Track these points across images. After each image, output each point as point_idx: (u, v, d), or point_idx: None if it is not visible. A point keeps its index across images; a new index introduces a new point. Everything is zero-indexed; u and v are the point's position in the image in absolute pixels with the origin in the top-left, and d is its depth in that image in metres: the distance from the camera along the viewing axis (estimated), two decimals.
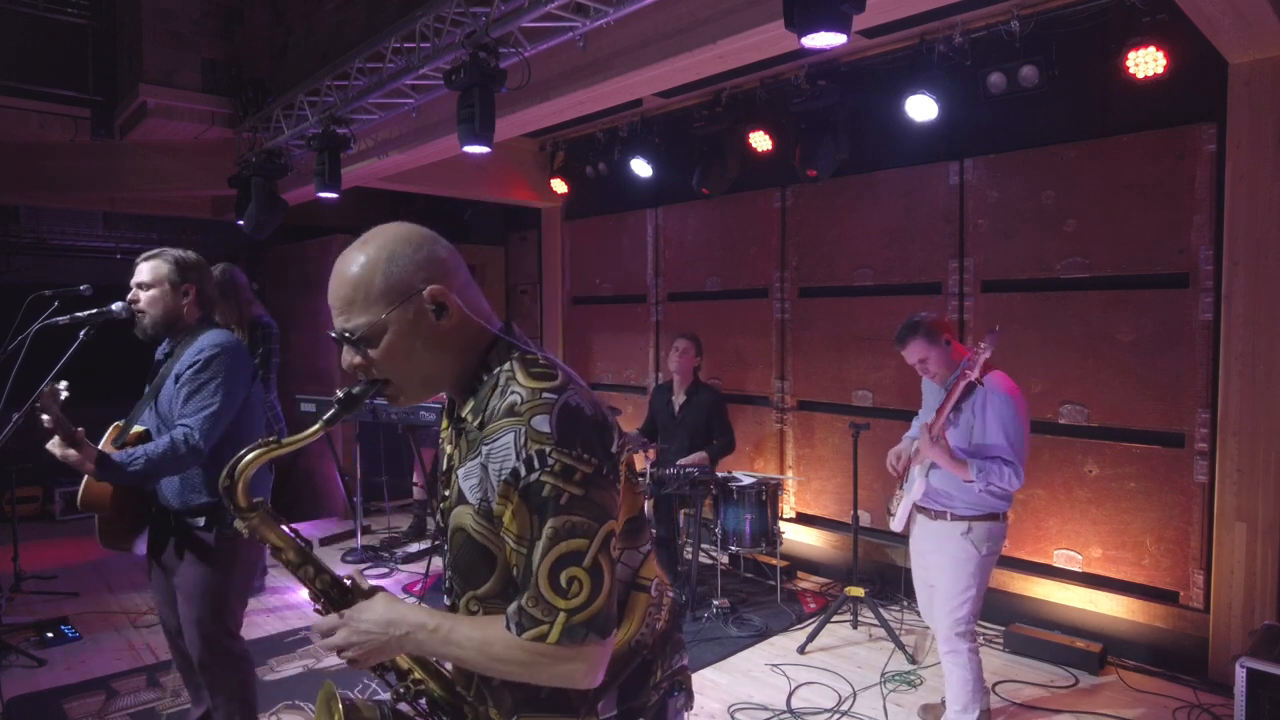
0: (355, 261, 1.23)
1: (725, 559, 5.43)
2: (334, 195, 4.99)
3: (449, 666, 1.37)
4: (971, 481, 2.87)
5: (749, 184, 5.66)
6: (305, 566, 1.36)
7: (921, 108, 4.36)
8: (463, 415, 1.27)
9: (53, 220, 7.52)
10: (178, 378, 2.59)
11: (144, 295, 2.65)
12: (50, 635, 4.30)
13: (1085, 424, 4.21)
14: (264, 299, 8.55)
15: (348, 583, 1.37)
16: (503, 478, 1.16)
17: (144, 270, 2.67)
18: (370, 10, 4.98)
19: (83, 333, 2.61)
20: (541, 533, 1.15)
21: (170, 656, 2.94)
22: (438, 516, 1.37)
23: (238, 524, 1.33)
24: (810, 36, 2.64)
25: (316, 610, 1.36)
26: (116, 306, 2.75)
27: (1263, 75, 3.52)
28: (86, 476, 2.50)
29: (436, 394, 1.32)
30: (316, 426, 1.27)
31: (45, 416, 2.33)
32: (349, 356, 1.25)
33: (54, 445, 2.35)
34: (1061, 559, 4.30)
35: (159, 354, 2.80)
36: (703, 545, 5.08)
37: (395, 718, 1.35)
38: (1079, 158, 4.19)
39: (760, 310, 5.76)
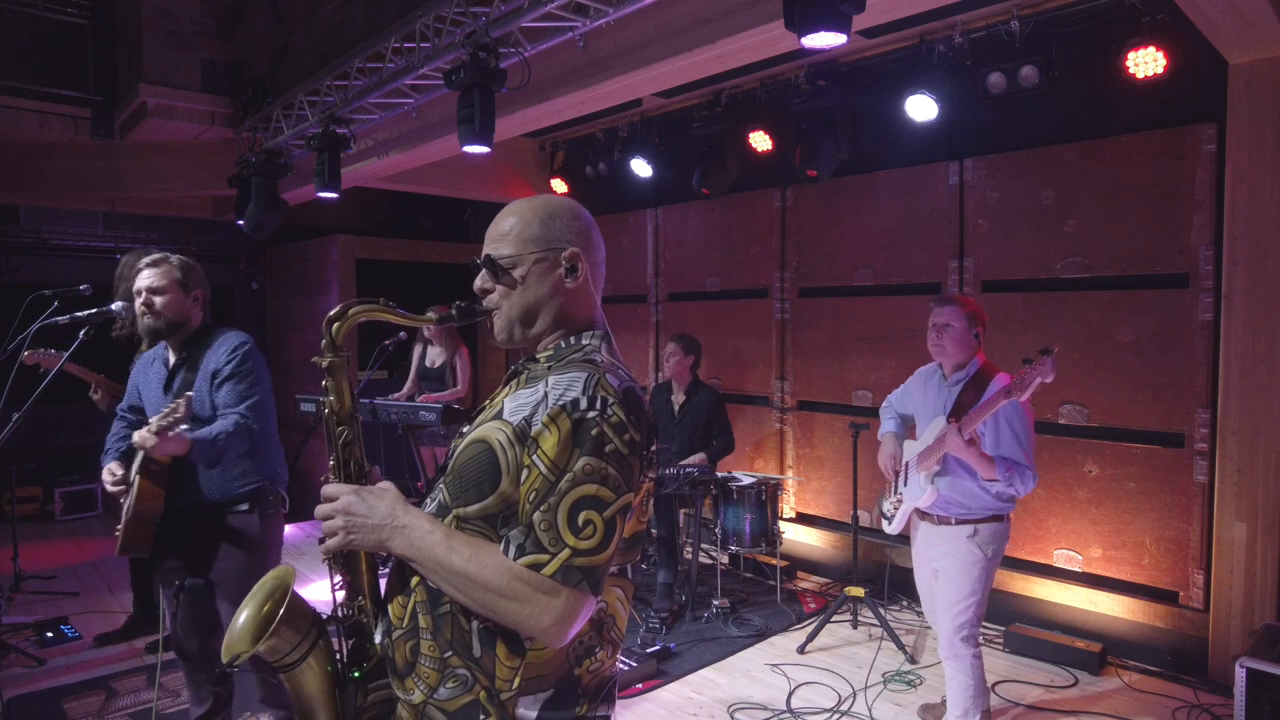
0: (524, 206, 1.38)
1: (725, 559, 5.43)
2: (334, 195, 4.99)
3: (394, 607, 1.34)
4: (994, 480, 2.82)
5: (749, 184, 5.66)
6: (347, 429, 1.38)
7: (921, 108, 4.36)
8: (537, 357, 1.36)
9: (53, 220, 7.52)
10: (214, 375, 2.68)
11: (158, 300, 2.69)
12: (50, 635, 4.30)
13: (1085, 424, 4.21)
14: (264, 299, 8.56)
15: (368, 469, 1.40)
16: (561, 402, 1.21)
17: (152, 275, 2.70)
18: (370, 10, 4.98)
19: (83, 333, 2.61)
20: (575, 467, 1.18)
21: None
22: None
23: (320, 359, 1.38)
24: (810, 36, 2.64)
25: (325, 478, 1.37)
26: (116, 306, 2.75)
27: (1263, 75, 3.52)
28: (137, 483, 2.53)
29: (519, 340, 1.38)
30: (430, 315, 1.39)
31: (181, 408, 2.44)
32: (479, 281, 1.37)
33: (147, 434, 2.40)
34: (1061, 559, 4.30)
35: (157, 362, 2.82)
36: (703, 545, 5.08)
37: (321, 628, 1.36)
38: (1079, 158, 4.19)
39: (760, 310, 5.76)
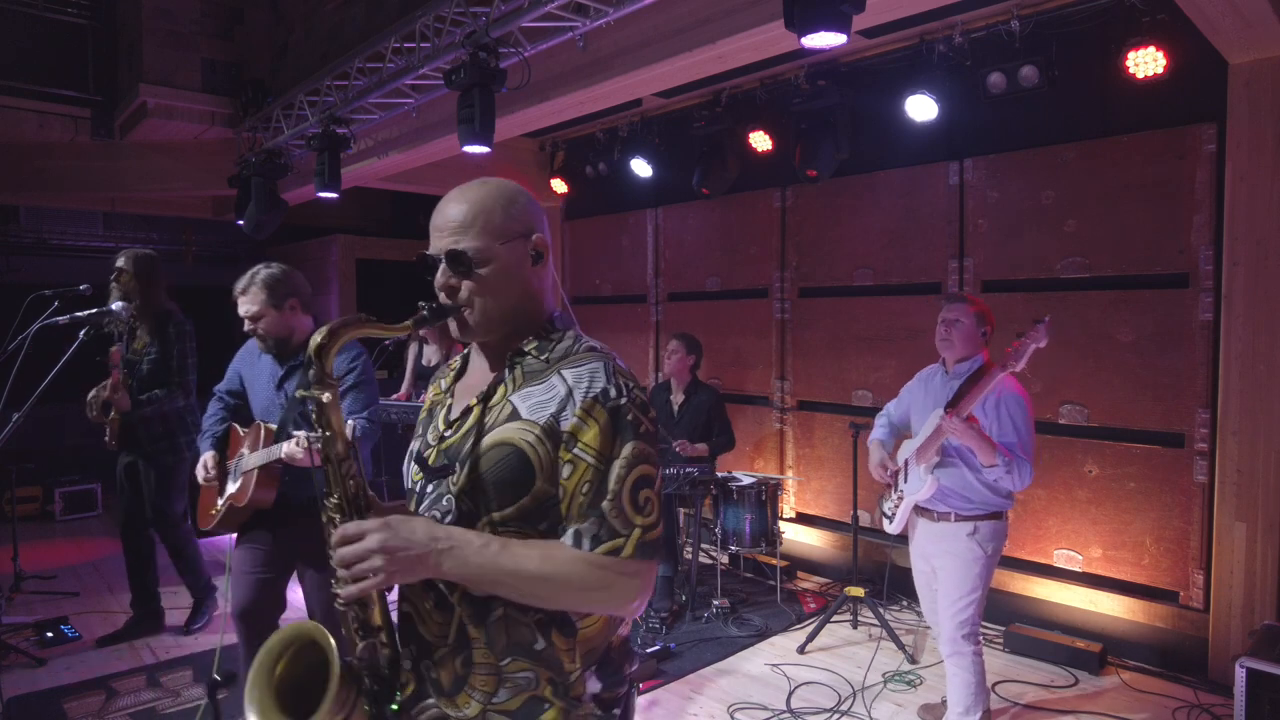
0: (479, 191, 1.32)
1: (725, 559, 5.43)
2: (334, 195, 4.99)
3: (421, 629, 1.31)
4: (994, 466, 2.82)
5: (749, 184, 5.66)
6: (349, 462, 1.27)
7: (921, 108, 4.36)
8: (525, 350, 1.33)
9: (53, 220, 7.52)
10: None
11: (260, 325, 2.82)
12: (50, 635, 4.29)
13: (1085, 424, 4.21)
14: None
15: (371, 499, 1.32)
16: (592, 394, 1.23)
17: (244, 304, 2.81)
18: (370, 10, 4.98)
19: (83, 333, 2.61)
20: (623, 452, 1.22)
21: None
22: (432, 455, 1.34)
23: (315, 390, 1.25)
24: (810, 36, 2.64)
25: (329, 516, 1.27)
26: (116, 306, 2.76)
27: (1263, 75, 3.51)
28: (256, 476, 2.75)
29: (494, 335, 1.34)
30: (407, 322, 1.30)
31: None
32: (444, 278, 1.29)
33: (291, 451, 2.56)
34: (1061, 559, 4.30)
35: (281, 367, 2.91)
36: (703, 545, 5.08)
37: (358, 681, 1.27)
38: (1079, 158, 4.19)
39: (760, 310, 5.76)
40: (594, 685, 1.28)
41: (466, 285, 1.29)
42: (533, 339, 1.34)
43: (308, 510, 2.79)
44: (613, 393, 1.23)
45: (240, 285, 2.83)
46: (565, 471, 1.22)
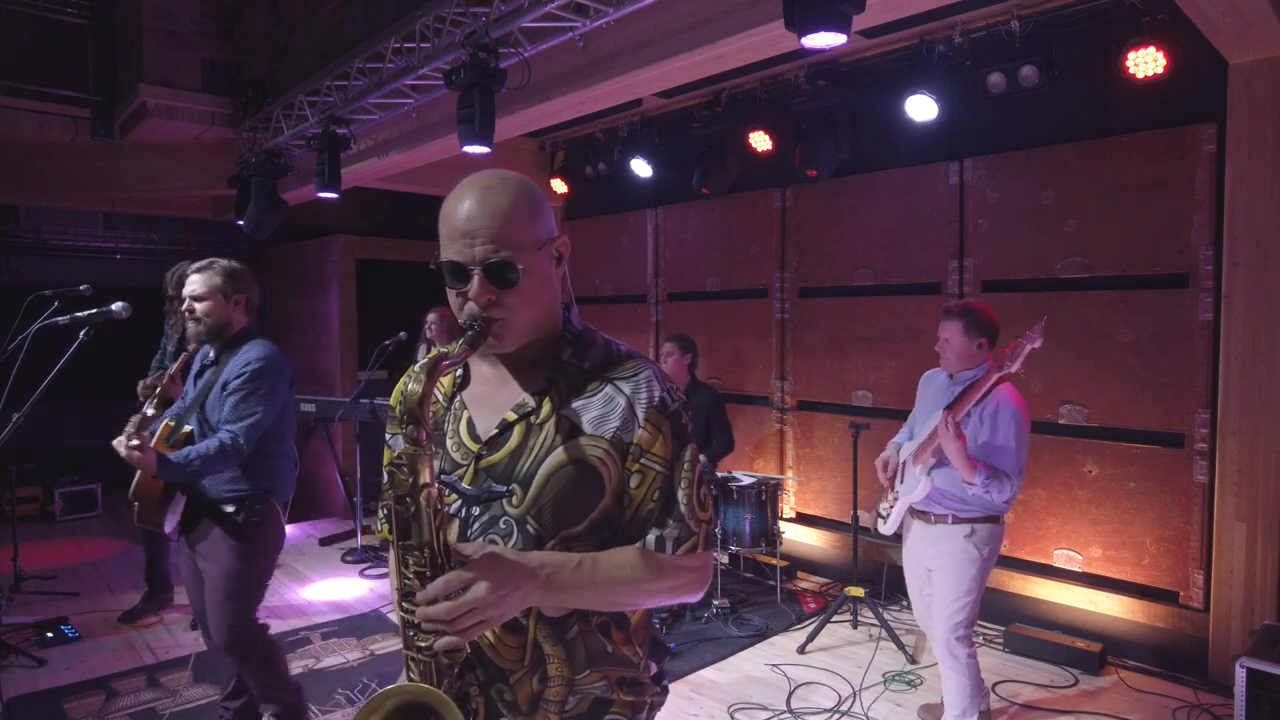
0: (506, 194, 1.21)
1: (725, 559, 5.43)
2: (334, 195, 4.99)
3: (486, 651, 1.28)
4: (972, 484, 2.84)
5: (749, 184, 5.66)
6: (437, 513, 1.16)
7: (921, 108, 4.36)
8: (564, 360, 1.30)
9: (53, 220, 7.52)
10: (225, 385, 2.79)
11: (199, 306, 2.83)
12: (50, 635, 4.30)
13: (1085, 424, 4.21)
14: (264, 299, 8.56)
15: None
16: (653, 404, 1.26)
17: (195, 282, 2.84)
18: (370, 10, 4.98)
19: (83, 333, 2.61)
20: (685, 456, 1.28)
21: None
22: (471, 476, 1.27)
23: (406, 444, 1.13)
24: (810, 37, 2.64)
25: (411, 582, 1.14)
26: (116, 306, 2.75)
27: (1263, 75, 3.52)
28: (140, 472, 2.69)
29: (522, 343, 1.27)
30: (461, 345, 1.18)
31: (149, 410, 2.65)
32: (483, 291, 1.18)
33: (121, 444, 2.52)
34: (1061, 559, 4.30)
35: (199, 360, 2.96)
36: None
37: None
38: (1079, 158, 4.19)
39: (760, 310, 5.76)
40: (653, 668, 1.37)
41: (508, 297, 1.20)
42: (566, 346, 1.31)
43: (212, 514, 2.82)
44: (669, 400, 1.28)
45: (198, 265, 2.87)
46: (634, 481, 1.26)
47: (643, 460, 1.25)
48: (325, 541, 6.29)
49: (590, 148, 6.47)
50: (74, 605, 4.85)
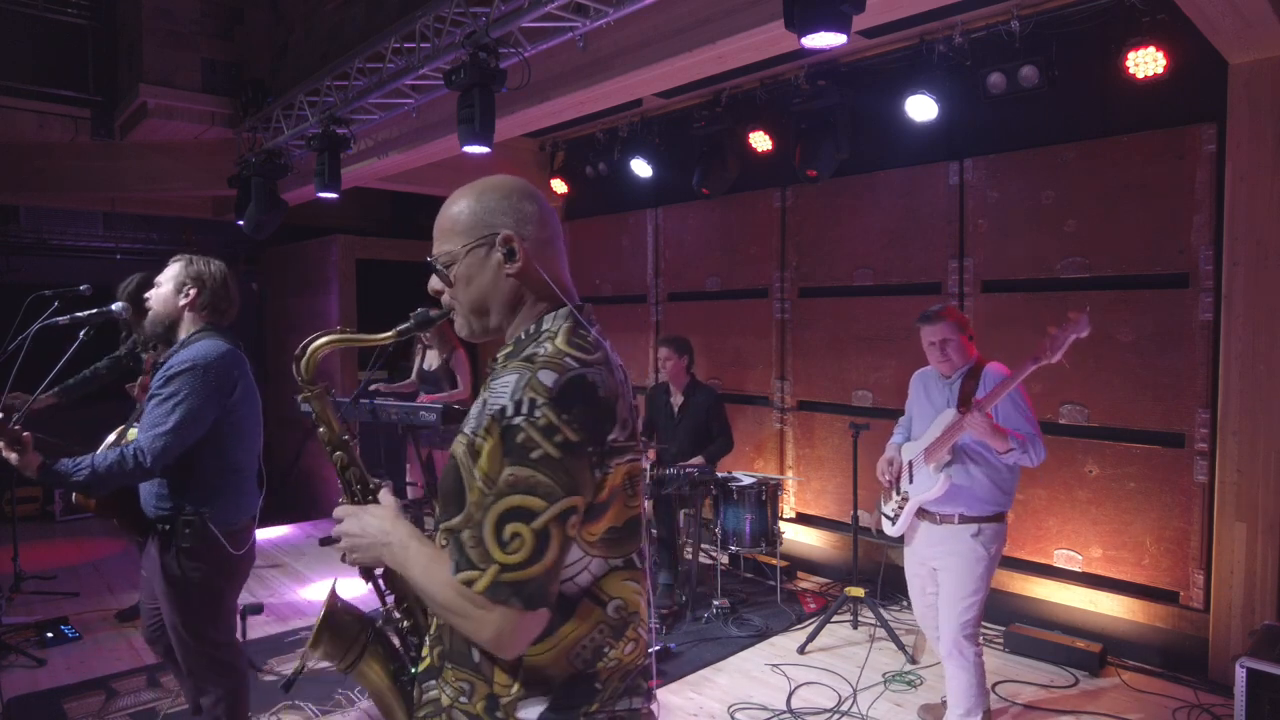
0: (454, 200, 1.35)
1: (725, 559, 5.43)
2: (334, 195, 4.99)
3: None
4: (1010, 450, 2.85)
5: (749, 184, 5.66)
6: (340, 453, 1.47)
7: (921, 108, 4.36)
8: (496, 357, 1.33)
9: (53, 220, 7.51)
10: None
11: (151, 293, 2.64)
12: (50, 635, 4.30)
13: (1085, 424, 4.21)
14: (264, 299, 8.57)
15: (372, 484, 1.46)
16: (490, 412, 1.16)
17: (165, 270, 2.64)
18: (370, 10, 4.97)
19: (83, 333, 2.61)
20: (501, 479, 1.13)
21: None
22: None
23: (300, 396, 1.48)
24: (810, 37, 2.64)
25: (339, 501, 1.44)
26: (116, 306, 2.75)
27: (1263, 75, 3.52)
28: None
29: (491, 335, 1.38)
30: (389, 333, 1.42)
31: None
32: (433, 283, 1.36)
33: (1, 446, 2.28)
34: (1061, 559, 4.30)
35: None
36: (703, 545, 5.07)
37: (370, 634, 1.46)
38: (1079, 158, 4.19)
39: (760, 310, 5.76)
40: (529, 713, 1.20)
41: (452, 290, 1.33)
42: (512, 340, 1.32)
43: (152, 530, 2.55)
44: (509, 410, 1.14)
45: (177, 257, 2.67)
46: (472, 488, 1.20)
47: (474, 469, 1.16)
48: (325, 541, 6.26)
49: (590, 148, 6.47)
50: (74, 605, 4.85)
